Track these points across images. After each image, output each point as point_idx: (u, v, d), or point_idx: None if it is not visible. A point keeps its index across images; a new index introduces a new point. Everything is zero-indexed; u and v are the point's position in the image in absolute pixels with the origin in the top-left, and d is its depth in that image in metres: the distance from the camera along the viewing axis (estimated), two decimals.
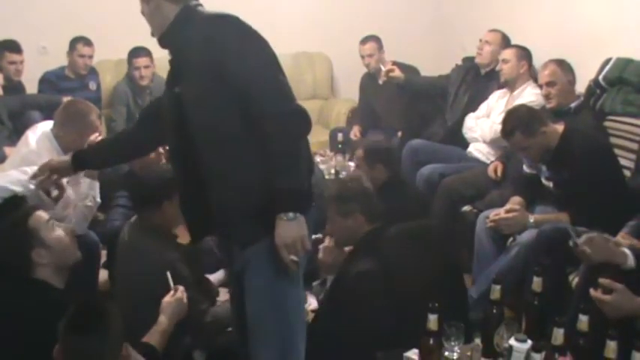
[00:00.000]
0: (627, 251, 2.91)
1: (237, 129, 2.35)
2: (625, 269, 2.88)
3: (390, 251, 3.04)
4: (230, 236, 2.57)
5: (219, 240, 3.21)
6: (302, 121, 2.34)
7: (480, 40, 5.30)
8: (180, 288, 2.90)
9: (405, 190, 4.18)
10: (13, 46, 5.49)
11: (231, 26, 2.35)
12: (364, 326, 2.84)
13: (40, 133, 3.91)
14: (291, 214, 2.28)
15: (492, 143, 4.84)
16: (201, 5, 2.50)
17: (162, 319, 2.80)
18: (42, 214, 2.67)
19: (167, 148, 3.72)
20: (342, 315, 2.95)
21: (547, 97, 4.38)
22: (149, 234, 3.21)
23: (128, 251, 3.28)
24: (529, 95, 4.75)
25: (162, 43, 2.52)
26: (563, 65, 4.35)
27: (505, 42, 5.23)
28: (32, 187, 3.27)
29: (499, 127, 4.06)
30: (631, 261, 2.88)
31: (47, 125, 3.97)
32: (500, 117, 4.36)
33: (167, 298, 2.86)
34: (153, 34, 2.54)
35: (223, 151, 2.38)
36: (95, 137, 3.85)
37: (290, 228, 2.29)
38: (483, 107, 5.09)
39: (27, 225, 2.59)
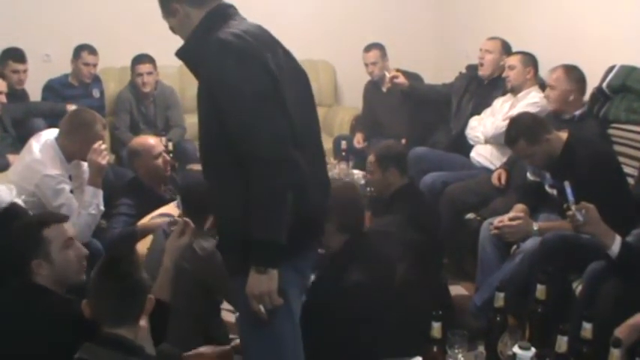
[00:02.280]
0: (618, 237, 2.95)
1: (227, 158, 2.22)
2: (609, 255, 2.98)
3: (378, 260, 3.05)
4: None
5: None
6: (287, 171, 2.15)
7: (481, 50, 5.29)
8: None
9: (420, 199, 4.14)
10: (17, 56, 5.49)
11: (230, 52, 2.17)
12: (344, 340, 2.83)
13: (43, 141, 3.92)
14: (261, 267, 2.17)
15: (494, 142, 4.83)
16: (230, 7, 2.37)
17: (167, 263, 2.84)
18: (65, 229, 2.67)
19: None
20: (324, 326, 2.86)
21: (547, 98, 4.42)
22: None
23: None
24: (533, 98, 4.74)
25: (179, 54, 2.38)
26: (570, 73, 4.34)
27: (505, 48, 5.23)
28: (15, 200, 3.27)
29: (501, 124, 4.06)
30: (616, 247, 2.93)
31: (51, 133, 3.98)
32: (504, 117, 4.37)
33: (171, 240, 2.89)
34: None
35: (216, 174, 2.31)
36: (99, 145, 3.85)
37: (259, 281, 2.18)
38: (487, 112, 5.09)
39: (41, 233, 2.59)
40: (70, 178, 3.95)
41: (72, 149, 3.89)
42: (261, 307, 2.20)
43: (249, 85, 2.15)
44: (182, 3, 2.29)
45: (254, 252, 2.16)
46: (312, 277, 3.00)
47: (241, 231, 2.18)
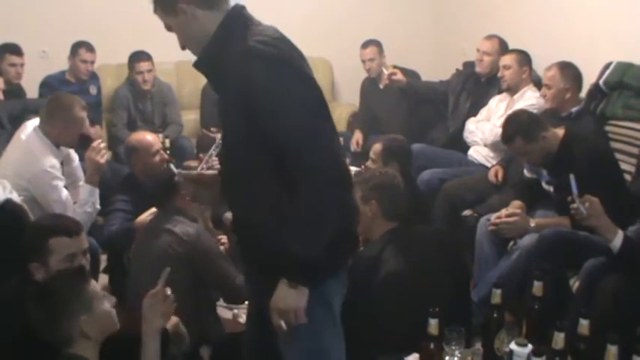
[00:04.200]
0: (620, 232, 2.97)
1: (263, 170, 2.12)
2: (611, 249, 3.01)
3: (413, 253, 3.02)
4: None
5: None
6: (340, 183, 2.10)
7: (478, 50, 5.29)
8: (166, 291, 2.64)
9: (412, 192, 4.15)
10: (14, 49, 5.50)
11: (270, 63, 2.04)
12: (373, 328, 2.83)
13: (28, 132, 3.91)
14: (294, 283, 2.07)
15: (493, 146, 4.84)
16: (244, 9, 2.24)
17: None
18: (74, 243, 2.65)
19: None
20: (354, 312, 2.88)
21: (544, 96, 4.45)
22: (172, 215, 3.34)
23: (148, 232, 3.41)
24: (529, 98, 4.76)
25: (199, 65, 2.23)
26: (565, 71, 4.35)
27: (503, 47, 5.23)
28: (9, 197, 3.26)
29: (499, 130, 4.07)
30: (617, 241, 2.95)
31: (34, 123, 3.97)
32: (501, 120, 4.38)
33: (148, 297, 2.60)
34: (185, 49, 2.27)
35: (248, 186, 2.19)
36: (98, 144, 3.85)
37: (287, 295, 2.08)
38: (484, 112, 5.10)
39: (47, 240, 2.60)
40: (62, 164, 3.95)
41: (55, 133, 3.88)
42: (283, 324, 2.10)
43: (298, 96, 2.05)
44: (190, 3, 2.12)
45: (290, 266, 2.07)
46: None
47: (275, 243, 2.10)
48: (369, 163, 4.26)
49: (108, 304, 2.39)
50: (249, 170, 2.16)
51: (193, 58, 2.23)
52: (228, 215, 4.17)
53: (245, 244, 2.36)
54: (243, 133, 2.11)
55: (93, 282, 2.41)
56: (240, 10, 2.21)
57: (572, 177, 3.14)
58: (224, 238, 3.92)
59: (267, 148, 2.06)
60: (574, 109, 4.34)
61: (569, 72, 4.36)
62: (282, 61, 2.07)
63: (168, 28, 2.22)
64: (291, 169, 2.03)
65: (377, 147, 4.17)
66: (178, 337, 2.79)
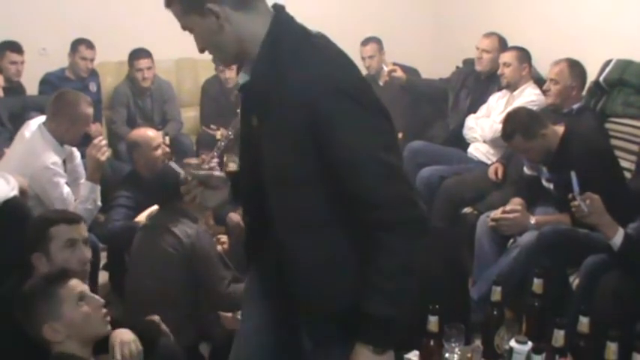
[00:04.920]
0: (621, 229, 2.97)
1: (325, 211, 1.86)
2: (611, 245, 3.02)
3: None
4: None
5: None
6: (423, 234, 1.85)
7: (477, 48, 5.29)
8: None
9: None
10: (14, 46, 5.50)
11: (335, 84, 1.75)
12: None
13: (33, 129, 3.92)
14: (380, 348, 1.84)
15: (492, 142, 4.84)
16: (284, 9, 1.95)
17: None
18: (73, 230, 2.67)
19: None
20: None
21: (547, 92, 4.41)
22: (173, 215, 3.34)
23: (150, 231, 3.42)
24: (529, 95, 4.76)
25: (252, 88, 1.90)
26: (573, 68, 4.34)
27: (502, 45, 5.22)
28: (13, 194, 3.26)
29: (499, 127, 4.07)
30: (618, 239, 2.96)
31: (39, 121, 3.97)
32: (501, 116, 4.38)
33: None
34: (204, 52, 1.94)
35: (317, 240, 1.90)
36: (99, 141, 3.85)
37: None
38: (483, 109, 5.10)
39: (48, 229, 2.62)
40: (65, 162, 3.95)
41: (61, 131, 3.88)
42: None
43: (381, 138, 1.80)
44: (222, 4, 1.79)
45: (365, 328, 1.83)
46: None
47: (349, 301, 1.86)
48: None
49: (86, 308, 2.32)
50: (317, 217, 1.88)
51: (193, 55, 2.11)
52: (232, 216, 4.18)
53: (312, 304, 1.98)
54: (307, 171, 1.81)
55: (75, 283, 2.36)
56: (288, 15, 1.93)
57: (573, 174, 3.14)
58: (224, 238, 3.92)
59: (335, 188, 1.81)
60: (575, 106, 4.33)
61: (578, 70, 4.35)
62: (365, 96, 1.81)
63: (188, 29, 1.87)
64: (366, 215, 1.79)
65: None
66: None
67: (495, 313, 2.72)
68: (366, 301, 1.81)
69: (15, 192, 3.30)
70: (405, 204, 1.80)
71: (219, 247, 3.68)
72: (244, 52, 1.88)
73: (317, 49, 1.85)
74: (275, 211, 1.92)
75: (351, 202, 1.80)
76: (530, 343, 2.47)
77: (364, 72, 6.10)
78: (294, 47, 1.83)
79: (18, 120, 5.26)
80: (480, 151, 4.98)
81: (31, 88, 5.77)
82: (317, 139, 1.75)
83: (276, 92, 1.78)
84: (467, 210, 4.47)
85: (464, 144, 5.17)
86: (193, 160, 4.70)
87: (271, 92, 1.80)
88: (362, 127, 1.77)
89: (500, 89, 5.06)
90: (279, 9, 1.92)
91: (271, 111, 1.81)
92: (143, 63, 5.89)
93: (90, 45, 5.80)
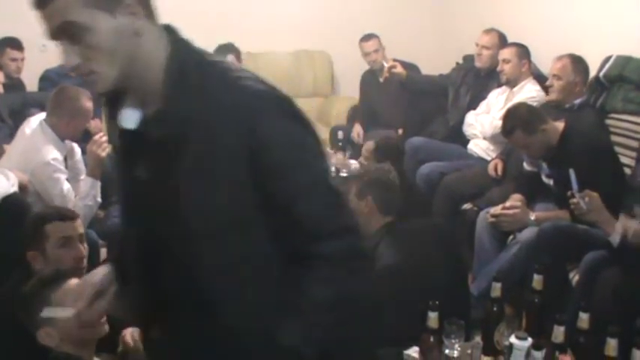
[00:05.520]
0: (620, 226, 2.98)
1: (263, 256, 1.55)
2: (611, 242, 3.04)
3: (408, 246, 3.03)
4: None
5: None
6: (361, 268, 1.56)
7: (477, 45, 5.29)
8: None
9: (408, 189, 4.17)
10: (14, 43, 5.50)
11: (274, 102, 1.50)
12: (372, 322, 2.83)
13: (34, 125, 3.92)
14: None
15: (492, 139, 4.84)
16: (177, 31, 1.54)
17: None
18: (69, 227, 2.66)
19: None
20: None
21: (550, 88, 4.40)
22: None
23: None
24: (529, 91, 4.76)
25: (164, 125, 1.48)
26: (576, 63, 4.33)
27: (502, 41, 5.22)
28: (13, 190, 3.26)
29: (499, 123, 4.07)
30: (617, 236, 2.96)
31: (40, 117, 3.98)
32: (500, 113, 4.38)
33: None
34: (101, 89, 1.52)
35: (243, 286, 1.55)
36: (100, 137, 3.85)
37: None
38: (483, 105, 5.10)
39: (42, 226, 2.63)
40: (66, 158, 3.95)
41: (61, 126, 3.89)
42: None
43: (322, 160, 1.58)
44: (140, 4, 1.44)
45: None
46: None
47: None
48: (361, 160, 4.28)
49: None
50: (247, 262, 1.54)
51: None
52: None
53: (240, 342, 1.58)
54: (245, 209, 1.50)
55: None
56: (184, 37, 1.54)
57: (571, 172, 3.15)
58: None
59: (273, 224, 1.52)
60: (577, 101, 4.32)
61: (581, 65, 4.34)
62: (297, 112, 1.54)
63: (68, 34, 1.45)
64: (303, 248, 1.51)
65: (369, 145, 4.20)
66: None
67: (495, 309, 2.72)
68: (281, 330, 1.49)
69: (15, 188, 3.30)
70: (349, 234, 1.54)
71: None
72: (129, 77, 1.47)
73: (235, 69, 1.54)
74: (199, 271, 1.53)
75: (290, 235, 1.51)
76: (530, 339, 2.47)
77: (364, 68, 6.12)
78: (210, 70, 1.50)
79: (18, 116, 5.26)
80: (479, 147, 4.98)
81: (31, 84, 5.77)
82: (255, 167, 1.46)
83: (202, 122, 1.45)
84: (467, 206, 4.47)
85: (464, 140, 5.17)
86: None
87: (193, 124, 1.45)
88: (305, 149, 1.52)
89: (499, 85, 5.06)
90: (172, 30, 1.52)
91: (193, 147, 1.46)
92: None
93: None
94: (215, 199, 1.47)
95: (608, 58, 4.47)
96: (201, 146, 1.46)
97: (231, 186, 1.47)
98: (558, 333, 2.44)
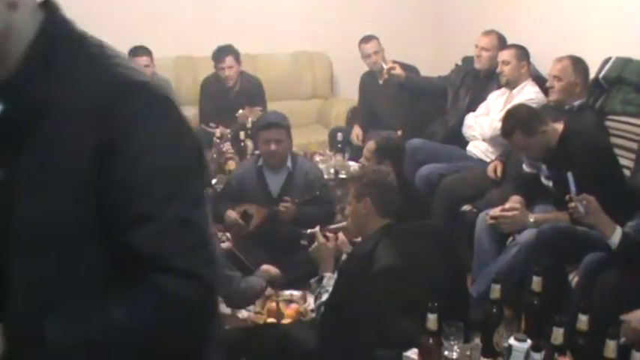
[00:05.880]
0: (619, 228, 2.98)
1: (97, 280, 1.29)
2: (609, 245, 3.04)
3: (407, 248, 3.03)
4: None
5: None
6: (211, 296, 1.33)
7: (476, 46, 5.29)
8: None
9: (407, 190, 4.17)
10: None
11: (146, 97, 1.29)
12: (371, 323, 2.83)
13: None
14: None
15: (491, 141, 4.83)
16: (58, 9, 1.42)
17: None
18: None
19: None
20: (352, 308, 2.89)
21: (550, 89, 4.38)
22: None
23: None
24: (528, 93, 4.76)
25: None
26: (577, 64, 4.31)
27: (501, 42, 5.22)
28: None
29: (498, 125, 4.07)
30: (616, 238, 2.97)
31: None
32: (500, 115, 4.37)
33: None
34: None
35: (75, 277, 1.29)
36: None
37: None
38: (482, 107, 5.10)
39: None
40: None
41: None
42: None
43: (183, 144, 1.32)
44: None
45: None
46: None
47: None
48: (362, 160, 4.28)
49: None
50: (84, 276, 1.29)
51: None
52: (230, 213, 4.19)
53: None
54: (86, 222, 1.25)
55: None
56: (65, 16, 1.43)
57: (570, 175, 3.15)
58: (224, 236, 3.92)
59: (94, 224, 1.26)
60: (576, 103, 4.32)
61: (581, 66, 4.32)
62: (167, 100, 1.32)
63: None
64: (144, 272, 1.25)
65: (370, 145, 4.19)
66: None
67: (494, 310, 2.72)
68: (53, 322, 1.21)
69: None
70: (203, 261, 1.28)
71: (224, 245, 3.69)
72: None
73: (116, 57, 1.41)
74: (21, 291, 1.28)
75: (125, 258, 1.26)
76: (529, 341, 2.47)
77: (363, 70, 6.12)
78: (85, 53, 1.37)
79: None
80: (479, 149, 4.99)
81: None
82: (104, 170, 1.23)
83: (56, 106, 1.26)
84: (466, 208, 4.47)
85: (463, 142, 5.17)
86: None
87: (43, 106, 1.26)
88: (170, 156, 1.27)
89: (499, 87, 5.06)
90: (53, 7, 1.39)
91: (41, 140, 1.25)
92: (141, 61, 5.86)
93: None
94: (47, 207, 1.24)
95: (607, 60, 4.48)
96: (46, 133, 1.25)
97: (73, 192, 1.24)
98: (557, 334, 2.44)
